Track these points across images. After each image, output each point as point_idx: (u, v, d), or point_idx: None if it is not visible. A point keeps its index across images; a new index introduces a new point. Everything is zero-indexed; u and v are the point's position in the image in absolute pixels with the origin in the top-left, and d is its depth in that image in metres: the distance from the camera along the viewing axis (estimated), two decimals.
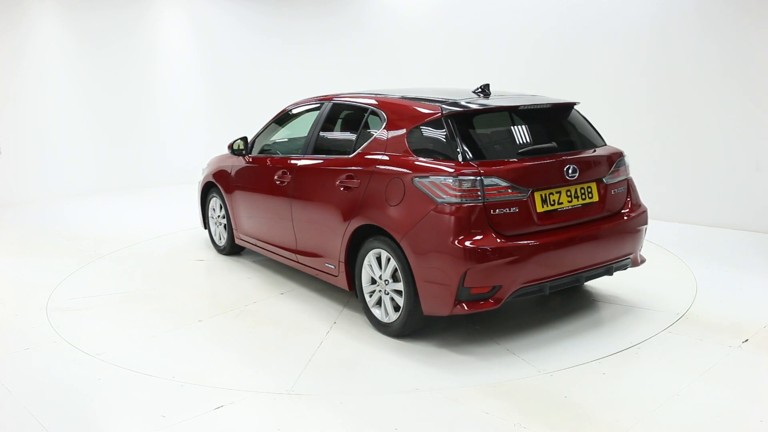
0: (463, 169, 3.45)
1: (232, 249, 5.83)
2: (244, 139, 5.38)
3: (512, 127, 3.90)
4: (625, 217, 3.97)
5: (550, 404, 3.06)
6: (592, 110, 7.29)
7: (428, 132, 3.75)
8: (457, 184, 3.42)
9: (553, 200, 3.65)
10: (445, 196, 3.45)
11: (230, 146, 5.43)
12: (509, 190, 3.48)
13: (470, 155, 3.56)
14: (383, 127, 4.01)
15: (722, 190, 6.43)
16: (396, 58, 9.58)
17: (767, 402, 3.03)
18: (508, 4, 8.04)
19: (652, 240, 5.95)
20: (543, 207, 3.60)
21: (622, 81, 7.06)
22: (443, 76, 8.75)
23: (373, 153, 3.98)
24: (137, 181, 10.10)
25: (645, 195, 7.00)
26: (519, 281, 3.49)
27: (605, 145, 4.18)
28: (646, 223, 4.12)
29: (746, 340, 3.68)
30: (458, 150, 3.56)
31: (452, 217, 3.42)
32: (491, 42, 8.28)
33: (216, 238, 6.05)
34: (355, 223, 3.97)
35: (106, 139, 9.88)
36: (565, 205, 3.70)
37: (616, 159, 4.01)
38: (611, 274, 3.98)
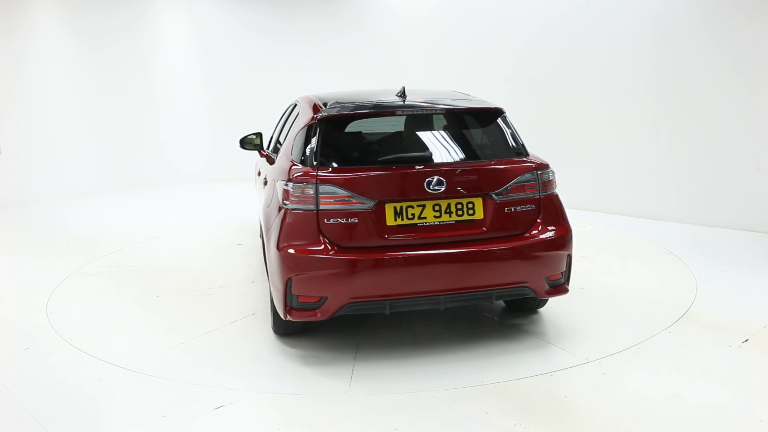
0: (300, 176, 3.43)
1: None
2: (259, 134, 5.43)
3: (385, 134, 3.83)
4: (523, 240, 3.47)
5: (550, 404, 3.06)
6: (591, 110, 7.34)
7: (305, 136, 3.76)
8: (296, 190, 3.40)
9: (412, 214, 3.39)
10: (286, 202, 3.45)
11: (241, 141, 5.48)
12: (352, 200, 3.34)
13: (321, 161, 3.49)
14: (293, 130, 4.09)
15: (723, 190, 6.43)
16: (395, 57, 9.57)
17: (767, 402, 3.03)
18: (507, 4, 8.04)
19: (654, 240, 5.95)
20: (396, 220, 3.37)
21: (623, 80, 7.06)
22: (442, 76, 8.75)
23: (281, 155, 4.05)
24: (137, 181, 10.09)
25: (646, 195, 7.07)
26: (348, 295, 3.32)
27: (525, 156, 3.69)
28: (562, 249, 3.56)
29: (746, 340, 3.68)
30: (314, 156, 3.54)
31: (285, 223, 3.41)
32: (491, 41, 8.27)
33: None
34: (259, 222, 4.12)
35: (106, 139, 9.87)
36: (430, 221, 3.40)
37: (519, 173, 3.52)
38: (492, 302, 3.54)
